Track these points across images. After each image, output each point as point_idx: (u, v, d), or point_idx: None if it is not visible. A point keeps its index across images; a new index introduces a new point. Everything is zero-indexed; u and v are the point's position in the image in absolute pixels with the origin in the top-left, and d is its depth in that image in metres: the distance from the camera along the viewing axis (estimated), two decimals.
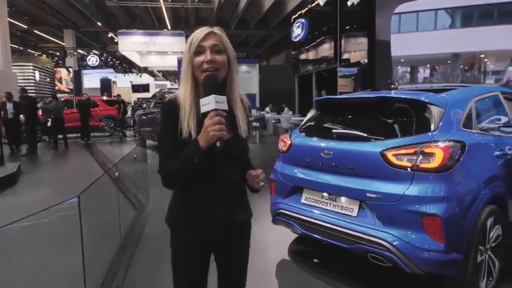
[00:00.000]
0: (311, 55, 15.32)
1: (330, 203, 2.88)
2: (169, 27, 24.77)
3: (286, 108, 16.22)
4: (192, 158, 1.35)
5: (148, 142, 11.02)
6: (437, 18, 9.36)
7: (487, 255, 2.66)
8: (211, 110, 1.30)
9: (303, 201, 3.07)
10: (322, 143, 2.96)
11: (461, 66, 9.00)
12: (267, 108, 16.99)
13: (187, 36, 23.26)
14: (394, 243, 2.46)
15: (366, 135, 2.83)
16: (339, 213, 2.80)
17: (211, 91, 1.33)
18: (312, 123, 3.32)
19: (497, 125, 3.17)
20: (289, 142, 3.25)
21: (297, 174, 3.13)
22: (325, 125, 3.24)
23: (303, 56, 16.10)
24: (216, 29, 1.44)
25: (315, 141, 3.06)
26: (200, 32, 1.42)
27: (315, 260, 3.41)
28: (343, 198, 2.80)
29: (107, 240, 3.66)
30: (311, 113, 3.43)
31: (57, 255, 3.57)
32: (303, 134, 3.26)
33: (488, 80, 8.67)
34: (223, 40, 1.43)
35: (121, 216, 3.81)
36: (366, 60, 14.76)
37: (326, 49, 16.85)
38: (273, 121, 15.10)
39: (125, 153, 8.66)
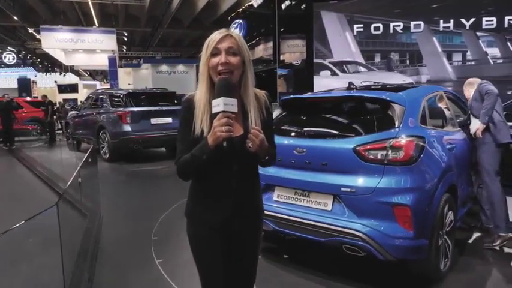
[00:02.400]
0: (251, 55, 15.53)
1: (304, 199, 2.97)
2: (96, 24, 23.45)
3: None
4: (200, 156, 1.43)
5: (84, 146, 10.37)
6: None
7: (443, 239, 2.94)
8: (220, 112, 1.37)
9: (275, 198, 3.12)
10: (295, 141, 3.04)
11: None
12: None
13: (118, 34, 22.25)
14: (368, 233, 2.62)
15: (337, 132, 2.97)
16: (313, 208, 2.90)
17: (222, 93, 1.39)
18: (280, 122, 3.38)
19: (444, 121, 3.51)
20: None
21: (268, 172, 3.16)
22: (293, 123, 3.32)
23: None
24: (233, 32, 1.53)
25: (286, 140, 3.13)
26: (217, 35, 1.50)
27: (285, 256, 3.49)
28: (316, 194, 2.90)
29: (64, 251, 3.39)
30: (277, 112, 3.50)
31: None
32: None
33: None
34: (239, 43, 1.50)
35: (73, 224, 3.56)
36: (299, 62, 15.26)
37: (261, 50, 17.14)
38: None
39: (63, 157, 8.10)
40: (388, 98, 2.93)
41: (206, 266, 1.61)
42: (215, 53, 1.47)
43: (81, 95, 22.96)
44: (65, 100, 20.22)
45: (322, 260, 3.40)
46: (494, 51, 9.24)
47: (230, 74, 1.46)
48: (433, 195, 2.72)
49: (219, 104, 1.37)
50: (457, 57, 9.68)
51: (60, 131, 15.14)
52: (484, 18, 9.20)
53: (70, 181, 2.57)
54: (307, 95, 3.55)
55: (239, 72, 1.50)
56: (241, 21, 15.29)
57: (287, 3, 14.50)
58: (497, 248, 3.41)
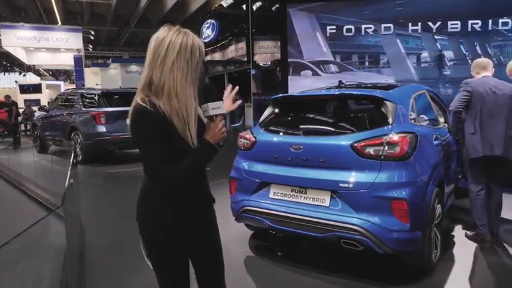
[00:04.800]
0: (221, 56, 15.48)
1: (301, 196, 3.00)
2: (59, 22, 22.58)
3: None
4: (209, 157, 1.51)
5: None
6: None
7: (433, 231, 3.06)
8: (219, 114, 1.52)
9: (271, 196, 3.13)
10: (291, 139, 3.07)
11: None
12: None
13: (85, 33, 21.52)
14: (366, 227, 2.68)
15: (333, 129, 3.02)
16: (311, 205, 2.93)
17: (217, 97, 1.54)
18: (273, 120, 3.39)
19: (429, 118, 3.65)
20: (253, 139, 3.28)
21: (264, 170, 3.17)
22: (288, 121, 3.35)
23: (209, 57, 16.17)
24: None
25: (282, 137, 3.15)
26: (201, 41, 1.54)
27: (279, 253, 3.51)
28: (314, 190, 2.94)
29: (48, 257, 3.26)
30: (269, 110, 3.51)
31: None
32: (266, 131, 3.32)
33: None
34: None
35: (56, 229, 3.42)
36: (269, 63, 15.31)
37: (233, 50, 17.09)
38: None
39: (31, 160, 7.72)
40: (380, 96, 3.02)
41: (176, 271, 1.58)
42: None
43: (45, 96, 21.94)
44: (26, 101, 19.19)
45: (316, 256, 3.44)
46: (449, 54, 9.66)
47: None
48: (426, 189, 2.83)
49: (220, 107, 1.51)
50: (417, 59, 10.04)
51: (23, 133, 14.46)
52: (449, 22, 9.61)
53: (66, 183, 2.46)
54: (301, 93, 3.58)
55: None
56: (213, 21, 15.20)
57: (258, 4, 14.56)
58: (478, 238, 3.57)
